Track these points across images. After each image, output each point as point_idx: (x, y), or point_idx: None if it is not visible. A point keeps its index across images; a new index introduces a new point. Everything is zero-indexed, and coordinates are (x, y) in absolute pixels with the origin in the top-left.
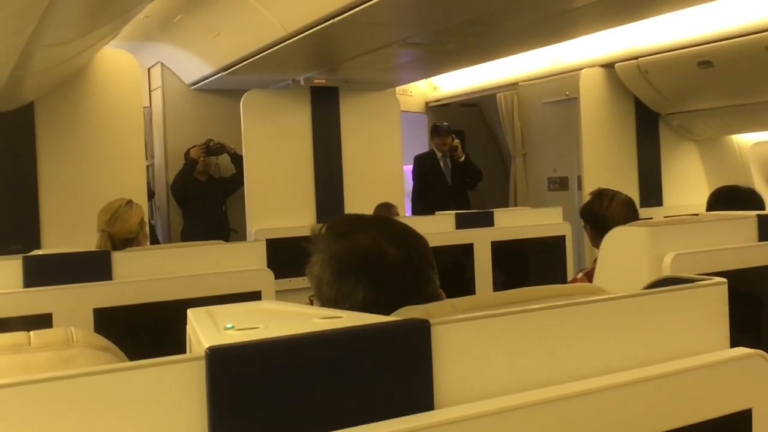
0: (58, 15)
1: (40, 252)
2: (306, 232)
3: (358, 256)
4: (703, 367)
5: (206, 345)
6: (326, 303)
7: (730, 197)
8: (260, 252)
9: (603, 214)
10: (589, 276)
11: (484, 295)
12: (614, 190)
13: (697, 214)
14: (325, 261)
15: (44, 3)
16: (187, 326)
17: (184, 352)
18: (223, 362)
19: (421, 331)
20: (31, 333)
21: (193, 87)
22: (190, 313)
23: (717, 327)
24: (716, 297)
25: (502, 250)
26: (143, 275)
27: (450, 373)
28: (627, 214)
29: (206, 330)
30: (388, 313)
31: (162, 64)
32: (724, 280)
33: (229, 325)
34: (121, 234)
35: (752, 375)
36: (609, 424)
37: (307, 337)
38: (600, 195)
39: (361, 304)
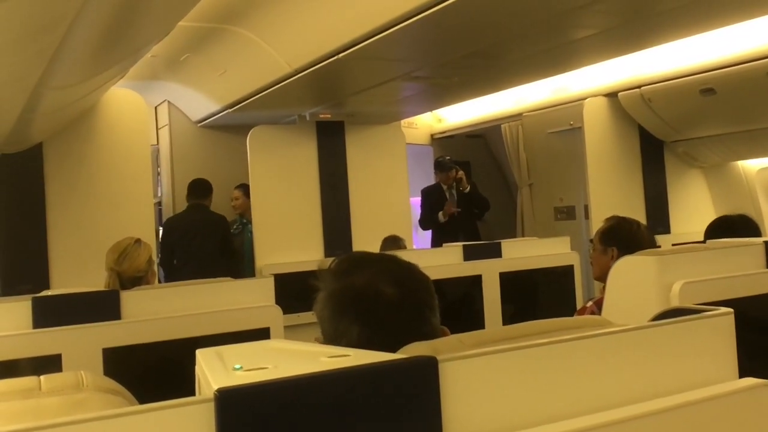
0: (67, 59)
1: (49, 292)
2: (314, 267)
3: (354, 295)
4: (712, 399)
5: (215, 387)
6: (327, 339)
7: (722, 228)
8: (268, 288)
9: (634, 236)
10: (598, 304)
11: (491, 329)
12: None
13: (704, 242)
14: (325, 298)
15: (53, 47)
16: (196, 367)
17: (195, 389)
18: (233, 403)
19: (428, 368)
20: (42, 377)
21: (199, 124)
22: (199, 354)
23: (725, 357)
24: (723, 327)
25: (510, 281)
26: (152, 314)
27: (458, 410)
28: (651, 241)
29: (215, 371)
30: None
31: (169, 102)
32: (731, 310)
33: (237, 366)
34: (129, 273)
35: (761, 405)
36: None
37: (315, 376)
38: (624, 219)
39: (355, 343)
